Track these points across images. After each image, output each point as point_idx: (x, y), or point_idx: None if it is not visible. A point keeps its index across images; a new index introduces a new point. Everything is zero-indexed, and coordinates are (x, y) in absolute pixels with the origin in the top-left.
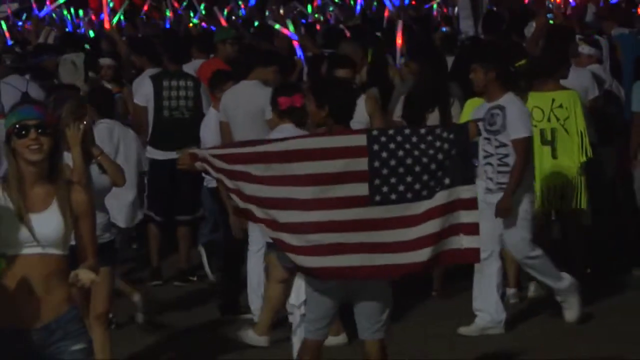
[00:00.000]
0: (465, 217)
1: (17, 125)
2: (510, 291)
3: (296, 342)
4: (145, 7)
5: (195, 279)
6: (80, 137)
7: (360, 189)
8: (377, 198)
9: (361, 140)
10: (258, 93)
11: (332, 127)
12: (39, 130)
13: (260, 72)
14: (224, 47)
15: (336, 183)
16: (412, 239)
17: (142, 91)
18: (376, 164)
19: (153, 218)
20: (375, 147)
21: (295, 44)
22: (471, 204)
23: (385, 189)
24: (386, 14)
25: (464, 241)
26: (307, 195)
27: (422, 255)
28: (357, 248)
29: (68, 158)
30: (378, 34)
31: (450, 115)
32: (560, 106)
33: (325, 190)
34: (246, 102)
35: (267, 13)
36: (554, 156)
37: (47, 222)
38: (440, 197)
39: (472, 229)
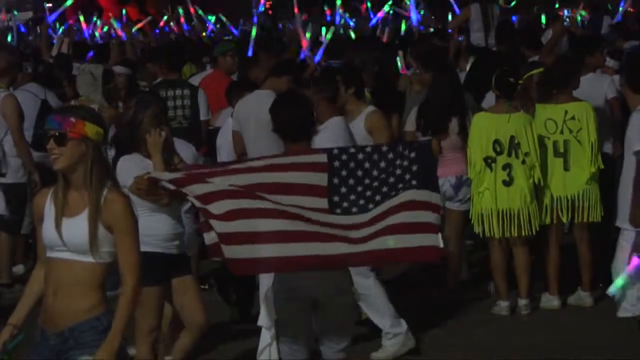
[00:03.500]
0: (430, 217)
1: (42, 134)
2: (522, 302)
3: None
4: (141, 24)
5: (206, 287)
6: (162, 145)
7: (320, 203)
8: (338, 211)
9: (322, 158)
10: (270, 103)
11: (289, 147)
12: (57, 140)
13: (274, 82)
14: (225, 60)
15: (296, 194)
16: (372, 233)
17: None
18: (335, 180)
19: None
20: (336, 164)
21: (304, 43)
22: (435, 207)
23: (345, 204)
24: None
25: (430, 239)
26: (265, 204)
27: (383, 243)
28: (315, 237)
29: (150, 166)
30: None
31: (467, 126)
32: (573, 118)
33: (285, 199)
34: (258, 112)
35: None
36: (566, 168)
37: (75, 228)
38: (404, 195)
39: (435, 229)
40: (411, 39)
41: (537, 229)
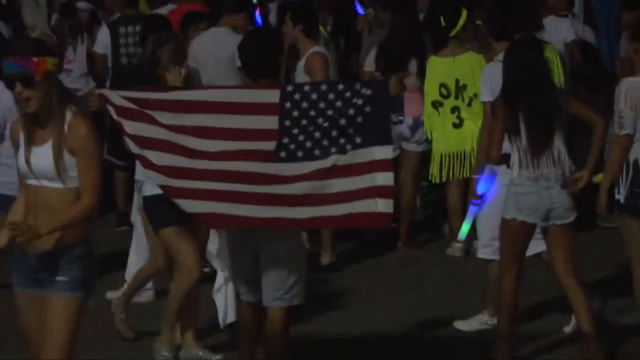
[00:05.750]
0: (380, 179)
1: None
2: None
3: (219, 303)
4: None
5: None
6: (182, 83)
7: (267, 146)
8: (283, 154)
9: (274, 96)
10: (228, 40)
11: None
12: (25, 83)
13: (231, 19)
14: None
15: (244, 139)
16: (315, 194)
17: (100, 39)
18: (287, 122)
19: (114, 163)
20: (287, 104)
21: None
22: (385, 165)
23: (292, 146)
24: None
25: (378, 204)
26: (212, 148)
27: (326, 210)
28: (255, 198)
29: None
30: None
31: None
32: None
33: (231, 145)
34: (216, 49)
35: None
36: None
37: (42, 156)
38: (351, 157)
39: (386, 191)
40: None
41: None
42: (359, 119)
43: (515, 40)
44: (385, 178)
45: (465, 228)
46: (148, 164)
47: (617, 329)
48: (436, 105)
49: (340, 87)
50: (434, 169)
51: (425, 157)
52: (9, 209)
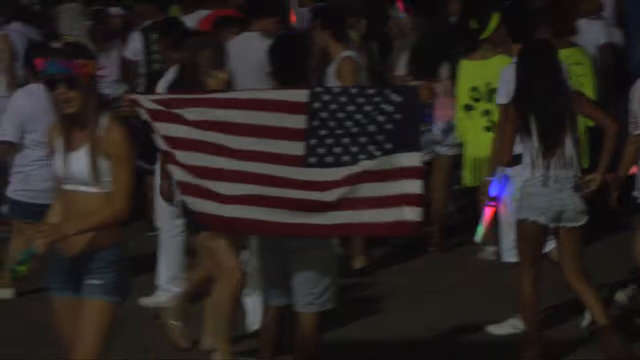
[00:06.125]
0: (408, 186)
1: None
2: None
3: (248, 307)
4: None
5: None
6: (223, 87)
7: (295, 148)
8: (312, 160)
9: (302, 96)
10: (259, 44)
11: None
12: (68, 84)
13: (262, 23)
14: None
15: (271, 137)
16: (342, 199)
17: (132, 45)
18: (315, 122)
19: (145, 168)
20: (316, 104)
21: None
22: (414, 172)
23: (321, 150)
24: None
25: (405, 212)
26: (239, 145)
27: (352, 217)
28: (281, 203)
29: None
30: None
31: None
32: (579, 63)
33: (258, 142)
34: (247, 54)
35: None
36: None
37: (78, 160)
38: (379, 163)
39: (415, 199)
40: None
41: None
42: (389, 126)
43: (526, 42)
44: (413, 185)
45: (479, 230)
46: (172, 160)
47: None
48: (468, 108)
49: (370, 91)
50: (466, 172)
51: (457, 161)
52: (26, 215)
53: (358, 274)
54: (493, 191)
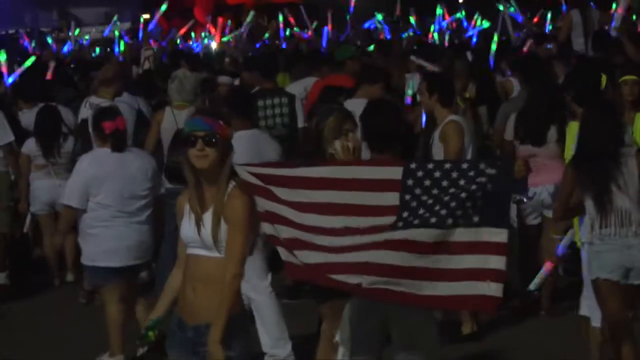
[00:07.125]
0: (493, 262)
1: (188, 135)
2: None
3: None
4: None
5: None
6: (351, 156)
7: (387, 221)
8: (400, 224)
9: (396, 173)
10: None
11: (374, 158)
12: (207, 141)
13: (367, 90)
14: (352, 64)
15: (364, 215)
16: (426, 267)
17: None
18: (407, 197)
19: None
20: (410, 182)
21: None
22: (499, 248)
23: (410, 218)
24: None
25: (491, 288)
26: (333, 224)
27: (436, 288)
28: (371, 269)
29: None
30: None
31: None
32: None
33: (351, 221)
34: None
35: None
36: None
37: (205, 224)
38: (465, 233)
39: (498, 276)
40: (507, 46)
41: None
42: (479, 197)
43: (587, 105)
44: (498, 262)
45: (536, 280)
46: (273, 238)
47: None
48: None
49: (465, 165)
50: (576, 235)
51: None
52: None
53: (467, 339)
54: (560, 251)
